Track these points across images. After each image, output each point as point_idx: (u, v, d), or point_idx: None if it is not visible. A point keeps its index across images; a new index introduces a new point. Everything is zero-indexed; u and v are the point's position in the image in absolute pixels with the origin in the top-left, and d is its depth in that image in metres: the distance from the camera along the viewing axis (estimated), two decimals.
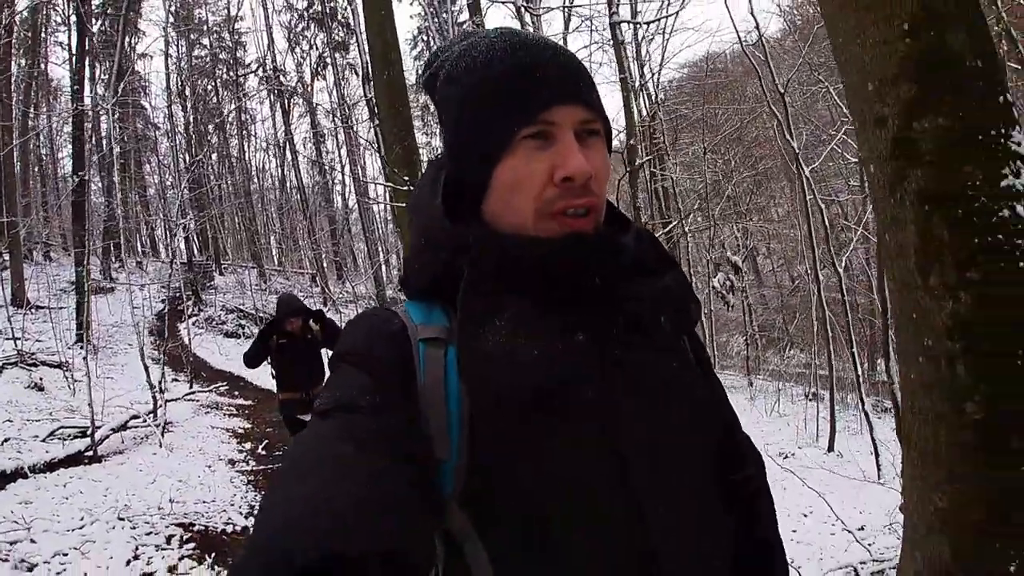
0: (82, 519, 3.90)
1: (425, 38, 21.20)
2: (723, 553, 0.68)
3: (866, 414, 6.43)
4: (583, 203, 0.63)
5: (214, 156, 21.27)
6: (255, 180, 24.86)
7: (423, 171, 0.71)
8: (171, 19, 20.89)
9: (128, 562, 3.52)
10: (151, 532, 3.89)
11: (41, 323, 10.89)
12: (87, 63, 14.31)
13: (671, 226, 11.42)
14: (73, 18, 14.84)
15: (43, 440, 5.35)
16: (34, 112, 16.86)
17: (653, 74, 14.19)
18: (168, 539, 3.87)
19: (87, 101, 14.64)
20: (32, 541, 3.48)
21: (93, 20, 15.45)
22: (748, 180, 16.02)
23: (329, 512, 0.47)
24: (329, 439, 0.55)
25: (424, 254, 0.67)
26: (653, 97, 14.03)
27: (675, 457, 0.65)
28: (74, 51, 13.89)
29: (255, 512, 0.49)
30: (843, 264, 7.04)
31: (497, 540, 0.58)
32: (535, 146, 0.62)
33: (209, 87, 22.93)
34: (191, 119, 21.55)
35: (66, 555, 3.43)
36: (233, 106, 21.89)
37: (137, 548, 3.67)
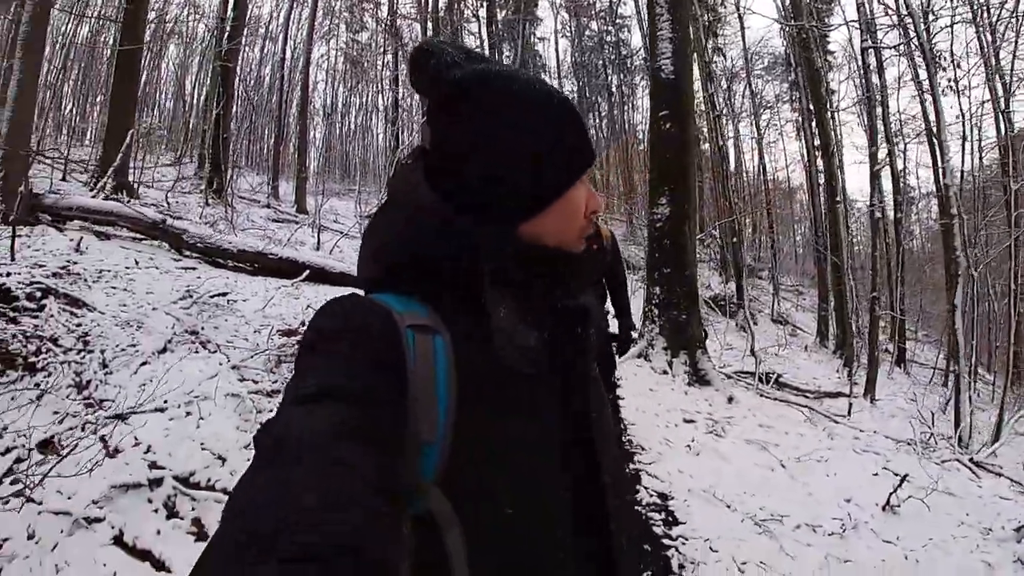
0: None
1: None
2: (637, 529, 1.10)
3: None
4: (597, 233, 0.93)
5: (604, 123, 24.23)
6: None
7: (399, 169, 0.76)
8: (561, 2, 24.43)
9: None
10: None
11: None
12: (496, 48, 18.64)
13: None
14: (482, 12, 19.55)
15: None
16: None
17: None
18: None
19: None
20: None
21: (498, 10, 19.70)
22: None
23: (308, 503, 0.46)
24: (313, 426, 0.53)
25: (423, 249, 0.67)
26: None
27: (614, 450, 0.73)
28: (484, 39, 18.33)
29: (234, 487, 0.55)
30: None
31: (474, 524, 0.59)
32: (580, 186, 0.72)
33: (598, 64, 26.01)
34: (583, 91, 25.01)
35: None
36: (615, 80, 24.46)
37: None
